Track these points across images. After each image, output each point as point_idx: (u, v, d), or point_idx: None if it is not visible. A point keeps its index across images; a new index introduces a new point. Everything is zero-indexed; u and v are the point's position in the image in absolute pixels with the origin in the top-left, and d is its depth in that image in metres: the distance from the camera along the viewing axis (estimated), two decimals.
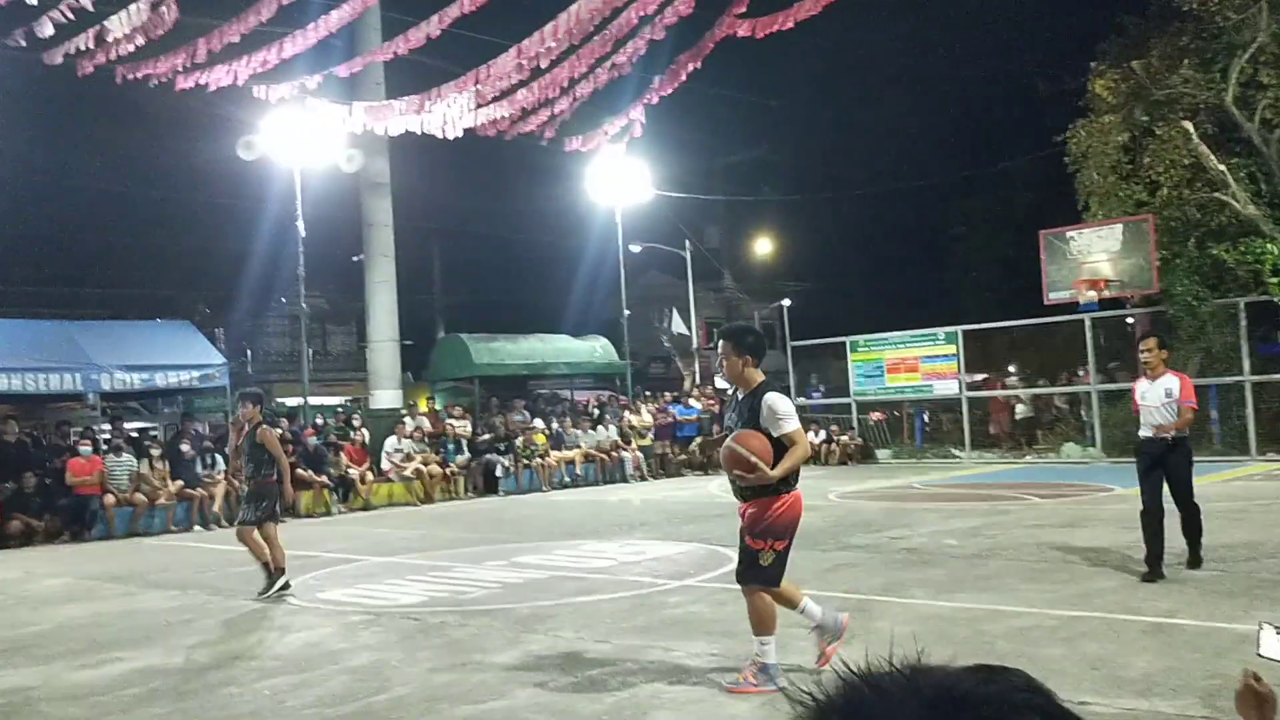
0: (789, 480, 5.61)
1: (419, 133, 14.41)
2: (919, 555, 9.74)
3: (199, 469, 16.97)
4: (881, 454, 23.77)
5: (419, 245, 35.40)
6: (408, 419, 20.71)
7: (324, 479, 18.13)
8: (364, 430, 20.38)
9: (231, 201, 32.34)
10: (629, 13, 10.87)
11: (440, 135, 13.96)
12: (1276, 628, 2.18)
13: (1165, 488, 8.05)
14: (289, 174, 20.67)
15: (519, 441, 20.93)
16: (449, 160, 26.30)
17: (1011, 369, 25.91)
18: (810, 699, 0.83)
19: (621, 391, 26.71)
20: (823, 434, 23.80)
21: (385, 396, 21.37)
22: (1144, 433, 8.22)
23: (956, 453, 22.63)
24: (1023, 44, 44.65)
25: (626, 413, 23.38)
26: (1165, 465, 8.04)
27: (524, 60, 11.90)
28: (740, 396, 5.83)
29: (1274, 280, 18.60)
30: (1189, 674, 5.41)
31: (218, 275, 35.77)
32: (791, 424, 5.56)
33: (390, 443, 19.60)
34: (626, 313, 26.60)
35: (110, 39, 11.40)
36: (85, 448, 16.16)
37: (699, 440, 23.28)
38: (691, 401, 24.74)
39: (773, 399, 5.59)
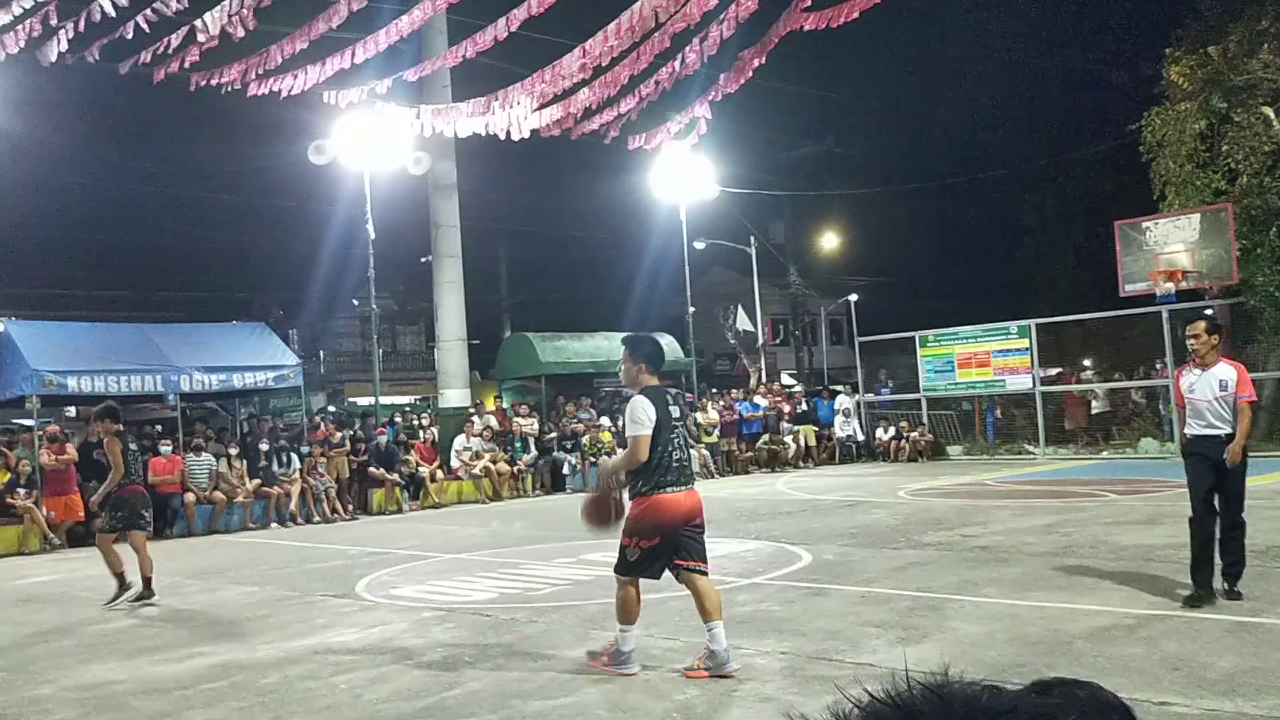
0: (657, 484, 5.92)
1: (485, 134, 14.56)
2: (992, 553, 9.60)
3: (275, 467, 17.34)
4: (953, 450, 23.45)
5: (485, 245, 35.79)
6: (476, 418, 20.93)
7: (395, 477, 18.42)
8: (433, 429, 20.66)
9: (303, 205, 33.00)
10: (693, 8, 10.86)
11: (505, 137, 14.09)
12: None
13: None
14: (359, 177, 21.01)
15: (585, 439, 21.04)
16: (514, 160, 26.56)
17: (1087, 363, 25.38)
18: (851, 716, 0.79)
19: (687, 389, 26.71)
20: (891, 430, 23.55)
21: (454, 395, 21.62)
22: (1191, 430, 7.26)
23: (1030, 449, 22.24)
24: (1094, 31, 43.80)
25: (692, 410, 23.35)
26: (1219, 469, 7.02)
27: (588, 60, 11.95)
28: None
29: None
30: (1274, 674, 5.26)
31: (291, 277, 36.51)
32: (634, 429, 5.92)
33: (459, 441, 19.83)
34: (691, 310, 26.58)
35: (184, 46, 11.69)
36: (166, 447, 16.61)
37: (766, 438, 23.19)
38: (758, 399, 24.64)
39: (632, 403, 6.02)
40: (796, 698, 5.42)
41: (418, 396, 33.28)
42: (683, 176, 25.88)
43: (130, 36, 11.33)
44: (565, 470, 20.49)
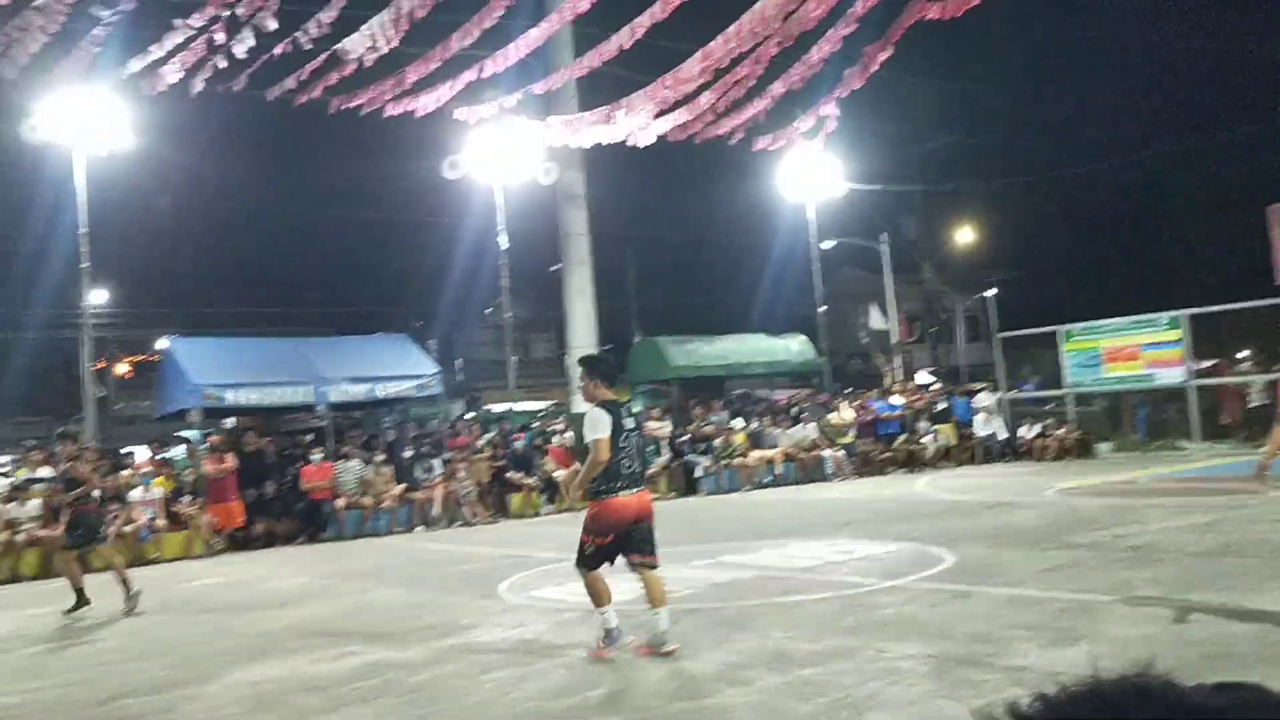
0: (608, 488, 6.77)
1: (610, 142, 14.74)
2: (1147, 553, 9.22)
3: (418, 473, 17.88)
4: (1101, 448, 22.55)
5: (614, 251, 36.17)
6: None
7: (532, 481, 18.77)
8: (568, 434, 20.97)
9: (438, 219, 33.95)
10: (815, 6, 10.77)
11: (629, 144, 14.24)
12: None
13: None
14: (490, 190, 21.52)
15: (717, 442, 21.03)
16: (641, 166, 26.71)
17: (1243, 354, 24.09)
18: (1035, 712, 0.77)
19: (820, 389, 26.41)
20: (1036, 428, 22.81)
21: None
22: None
23: (1184, 445, 21.23)
24: (1240, 8, 41.55)
25: (827, 411, 23.10)
26: None
27: (709, 63, 11.98)
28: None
29: None
30: None
31: (428, 289, 37.65)
32: (595, 433, 6.70)
33: None
34: (822, 309, 26.31)
35: (324, 72, 12.19)
36: (316, 455, 17.31)
37: (903, 437, 22.75)
38: (894, 398, 24.19)
39: (590, 413, 6.85)
40: (945, 701, 5.32)
41: (551, 402, 33.82)
42: (810, 175, 25.64)
43: (273, 65, 11.89)
44: (698, 473, 20.52)
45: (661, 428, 21.34)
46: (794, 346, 27.12)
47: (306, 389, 18.32)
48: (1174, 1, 42.25)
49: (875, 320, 34.34)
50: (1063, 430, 22.61)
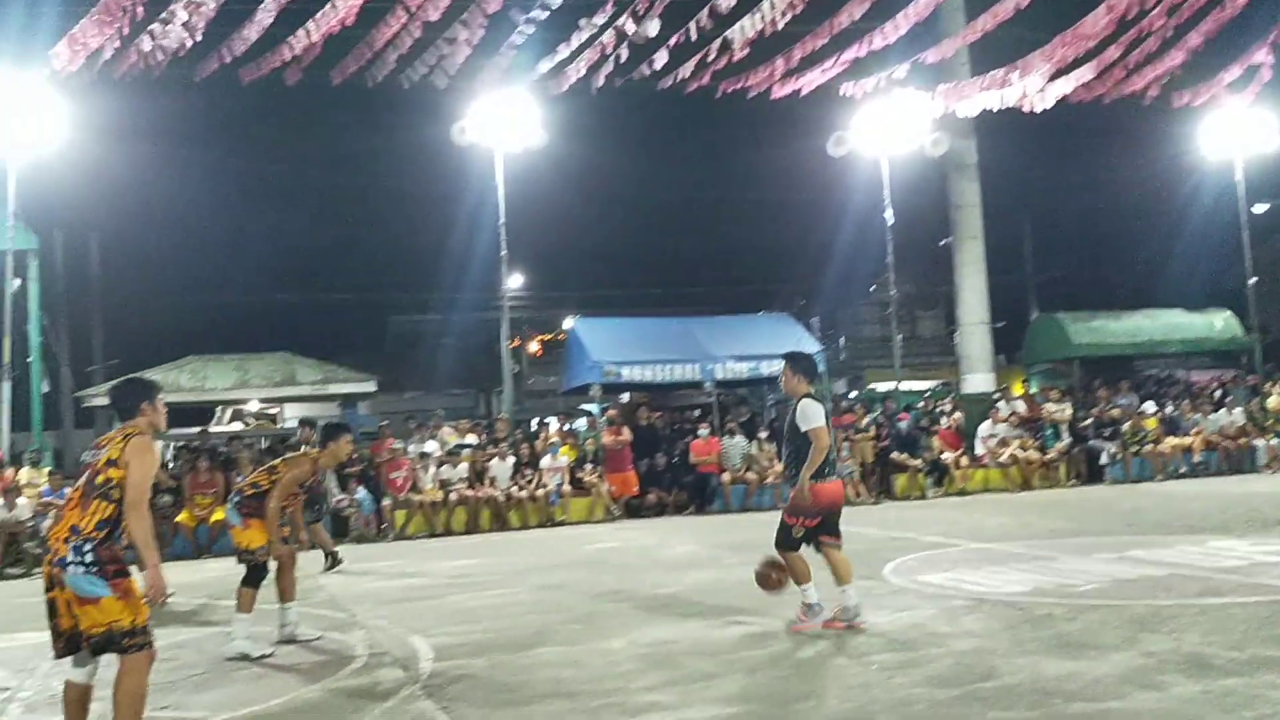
0: (823, 473, 7.25)
1: (1004, 108, 13.98)
2: None
3: None
4: None
5: (1008, 223, 34.37)
6: (1001, 403, 20.21)
7: (917, 463, 18.37)
8: (957, 415, 20.27)
9: (820, 196, 33.94)
10: None
11: (1025, 109, 13.42)
12: None
13: None
14: (874, 164, 21.18)
15: (1125, 427, 19.43)
16: (1038, 131, 25.15)
17: None
18: None
19: (1248, 370, 23.60)
20: None
21: (977, 380, 21.02)
22: None
23: None
24: None
25: (1256, 394, 20.63)
26: None
27: (1114, 15, 11.00)
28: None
29: None
30: None
31: (810, 267, 37.83)
32: (813, 423, 7.20)
33: (984, 427, 19.27)
34: (1252, 280, 23.45)
35: (712, 58, 12.55)
36: (704, 430, 18.03)
37: None
38: None
39: (803, 404, 7.36)
40: None
41: (938, 382, 32.83)
42: (1238, 132, 22.88)
43: (665, 61, 12.42)
44: (1103, 460, 19.09)
45: (1060, 411, 20.06)
46: (1217, 323, 24.48)
47: (695, 366, 19.12)
48: None
49: None
50: None
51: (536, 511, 16.73)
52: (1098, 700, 5.29)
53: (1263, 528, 11.49)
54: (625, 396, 22.03)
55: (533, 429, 21.38)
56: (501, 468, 16.87)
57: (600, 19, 11.64)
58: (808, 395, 7.42)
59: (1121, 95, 13.07)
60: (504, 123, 19.18)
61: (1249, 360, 24.05)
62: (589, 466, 17.48)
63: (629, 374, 18.95)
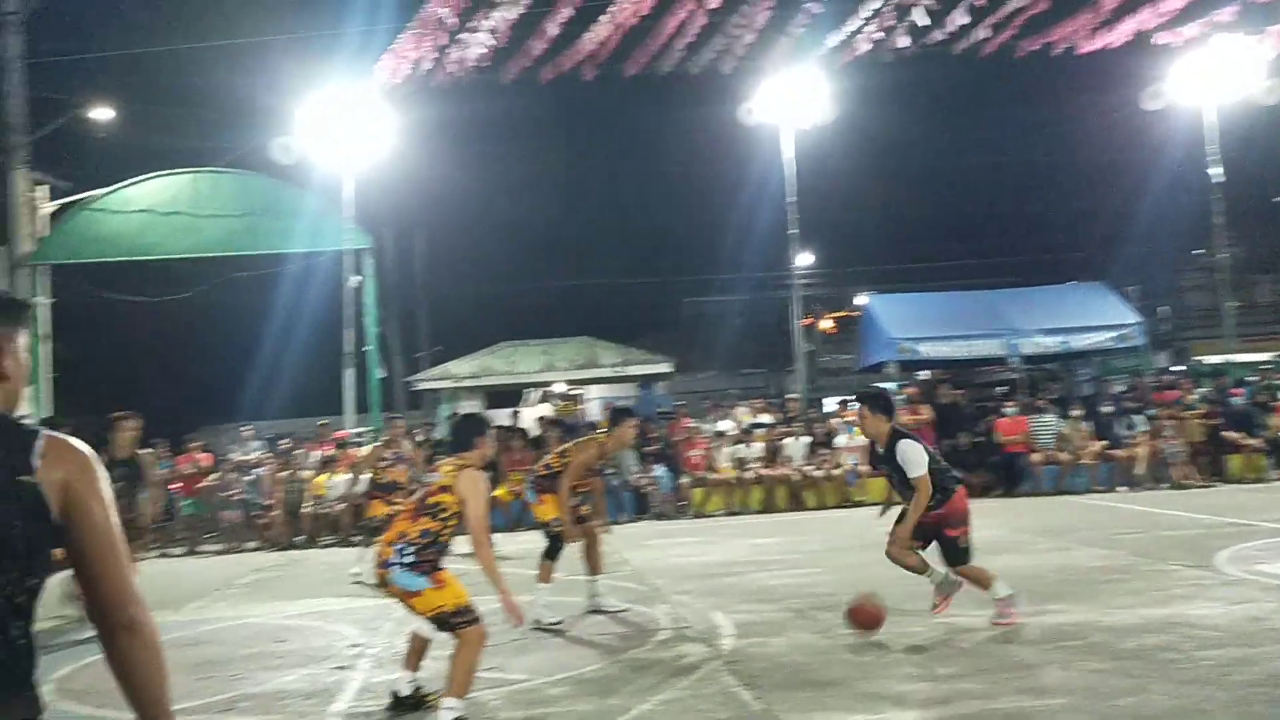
0: (954, 477, 7.21)
1: None
2: None
3: (1119, 430, 16.90)
4: None
5: None
6: None
7: (1255, 442, 16.72)
8: None
9: (1131, 156, 31.46)
10: None
11: None
12: None
13: None
14: (1195, 117, 19.39)
15: None
16: None
17: None
18: None
19: None
20: None
21: None
22: None
23: None
24: None
25: None
26: None
27: None
28: (880, 449, 7.17)
29: None
30: None
31: (1127, 232, 35.14)
32: (918, 470, 6.86)
33: None
34: None
35: (1010, 17, 11.93)
36: (1010, 408, 17.21)
37: None
38: None
39: (904, 447, 6.97)
40: None
41: (1278, 353, 29.58)
42: None
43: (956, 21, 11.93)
44: None
45: None
46: None
47: (999, 341, 18.33)
48: None
49: None
50: None
51: (833, 491, 16.63)
52: None
53: None
54: (924, 374, 21.43)
55: (824, 409, 21.23)
56: (796, 447, 16.88)
57: None
58: (897, 433, 7.09)
59: None
60: (792, 100, 19.13)
61: None
62: None
63: (927, 350, 18.43)
